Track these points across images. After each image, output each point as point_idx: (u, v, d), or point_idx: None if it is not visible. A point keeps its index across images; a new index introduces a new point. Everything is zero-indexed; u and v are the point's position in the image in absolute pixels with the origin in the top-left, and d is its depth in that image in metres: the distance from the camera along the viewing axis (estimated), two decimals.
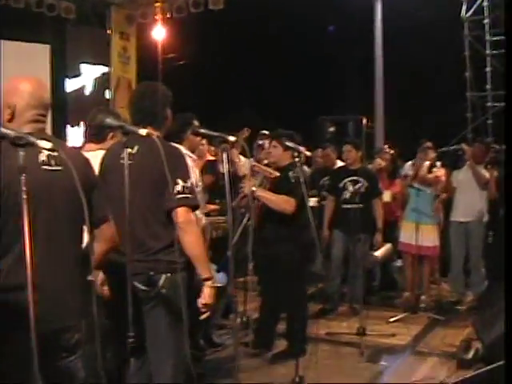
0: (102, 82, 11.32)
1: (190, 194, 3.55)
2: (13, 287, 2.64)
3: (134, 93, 4.42)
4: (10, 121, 2.90)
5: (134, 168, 3.33)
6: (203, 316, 3.70)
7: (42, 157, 2.79)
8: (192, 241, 3.51)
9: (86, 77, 11.07)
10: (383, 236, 7.53)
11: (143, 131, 3.02)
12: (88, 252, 3.02)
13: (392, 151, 9.49)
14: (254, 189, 5.54)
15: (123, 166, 3.23)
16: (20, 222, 2.32)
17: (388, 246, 7.39)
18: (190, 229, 3.52)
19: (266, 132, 8.17)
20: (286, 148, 5.64)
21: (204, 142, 5.73)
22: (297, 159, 5.06)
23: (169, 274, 3.58)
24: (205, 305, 3.65)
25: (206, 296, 3.63)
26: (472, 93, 14.11)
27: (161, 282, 3.58)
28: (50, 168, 2.84)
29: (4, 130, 2.04)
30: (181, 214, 3.51)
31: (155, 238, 3.62)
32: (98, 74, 11.30)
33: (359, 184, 7.50)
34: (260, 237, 5.59)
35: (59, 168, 2.85)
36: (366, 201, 7.48)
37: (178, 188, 3.50)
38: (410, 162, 8.26)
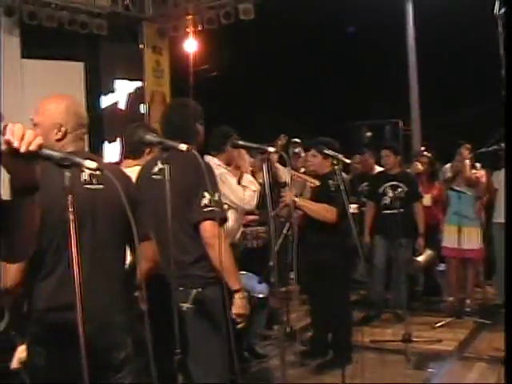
0: (136, 97, 11.39)
1: (217, 207, 3.53)
2: (59, 308, 2.65)
3: (165, 109, 4.46)
4: (59, 140, 2.91)
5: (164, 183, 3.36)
6: (239, 326, 3.69)
7: (84, 176, 2.81)
8: (219, 255, 3.44)
9: (120, 92, 11.15)
10: (425, 240, 7.45)
11: (183, 146, 3.01)
12: (132, 269, 3.02)
13: (429, 154, 9.39)
14: (295, 198, 5.53)
15: (156, 181, 3.24)
16: (63, 243, 2.32)
17: (430, 251, 7.31)
18: (217, 242, 3.47)
19: (298, 140, 8.15)
20: (325, 156, 5.62)
21: (245, 153, 5.72)
22: (336, 167, 5.02)
23: (199, 289, 3.60)
24: (238, 315, 3.64)
25: (237, 307, 3.62)
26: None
27: (191, 297, 3.59)
28: (93, 187, 2.85)
29: (49, 152, 2.04)
30: (207, 227, 3.52)
31: (184, 252, 3.62)
32: (132, 89, 11.37)
33: (399, 189, 7.43)
34: (302, 246, 5.55)
35: (101, 187, 2.86)
36: (407, 205, 7.41)
37: (205, 201, 3.50)
38: (448, 165, 8.16)
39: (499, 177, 7.71)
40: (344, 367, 5.03)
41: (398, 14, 13.68)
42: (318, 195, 5.69)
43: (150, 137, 3.22)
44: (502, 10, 12.75)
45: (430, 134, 13.02)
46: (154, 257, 3.17)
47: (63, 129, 2.90)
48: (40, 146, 1.97)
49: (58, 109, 2.93)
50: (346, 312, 5.98)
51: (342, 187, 4.98)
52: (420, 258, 7.13)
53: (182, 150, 2.99)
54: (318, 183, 5.75)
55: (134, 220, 2.16)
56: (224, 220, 3.67)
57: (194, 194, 3.42)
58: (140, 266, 3.05)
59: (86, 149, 3.40)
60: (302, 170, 6.13)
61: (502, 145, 7.87)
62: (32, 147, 1.95)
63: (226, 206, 4.30)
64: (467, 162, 7.59)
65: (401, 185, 7.45)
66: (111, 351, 2.90)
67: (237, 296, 3.62)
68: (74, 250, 2.05)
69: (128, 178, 3.17)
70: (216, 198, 3.54)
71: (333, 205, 5.56)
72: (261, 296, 5.91)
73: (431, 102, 13.60)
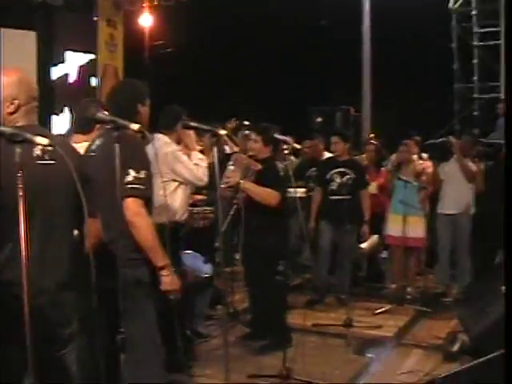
0: (88, 70, 11.21)
1: (141, 184, 3.46)
2: (6, 283, 2.63)
3: (111, 88, 4.41)
4: (12, 114, 2.86)
5: (94, 161, 3.44)
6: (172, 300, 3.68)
7: (37, 151, 2.77)
8: (140, 233, 3.44)
9: (71, 64, 10.95)
10: (370, 228, 7.54)
11: (134, 126, 3.00)
12: (79, 244, 3.01)
13: (376, 142, 9.50)
14: (240, 180, 5.55)
15: (91, 158, 3.27)
16: (14, 219, 2.30)
17: (375, 237, 7.41)
18: (138, 220, 3.44)
19: (247, 123, 8.14)
20: (266, 141, 5.66)
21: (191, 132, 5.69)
22: (286, 151, 5.05)
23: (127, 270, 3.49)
24: (168, 291, 3.61)
25: (164, 284, 3.58)
26: (459, 84, 14.16)
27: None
28: (45, 162, 2.81)
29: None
30: (129, 205, 3.42)
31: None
32: (83, 62, 11.18)
33: (347, 176, 7.49)
34: (245, 227, 5.58)
35: (53, 162, 2.82)
36: (354, 192, 7.49)
37: (129, 178, 3.41)
38: (395, 154, 8.27)
39: (445, 168, 7.86)
40: (284, 349, 5.09)
41: (354, 2, 13.76)
42: (261, 179, 5.70)
43: (102, 115, 3.20)
44: (457, 4, 12.96)
45: (380, 122, 13.15)
46: (99, 232, 3.16)
47: (16, 102, 2.86)
48: None
49: (9, 81, 2.88)
50: (282, 294, 6.01)
51: (289, 172, 5.02)
52: (364, 245, 7.22)
53: (133, 130, 2.99)
54: (259, 167, 5.76)
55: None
56: (148, 198, 3.58)
57: (122, 171, 3.36)
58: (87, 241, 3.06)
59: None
60: (250, 153, 6.13)
61: (450, 137, 8.03)
62: None
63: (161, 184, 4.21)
64: (415, 156, 7.73)
65: (348, 171, 7.51)
66: (58, 326, 2.88)
67: (163, 272, 3.56)
68: (22, 226, 2.03)
69: (78, 153, 3.15)
70: (142, 175, 3.46)
71: (276, 189, 5.60)
72: (205, 276, 5.94)
73: (383, 91, 13.72)
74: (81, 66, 11.11)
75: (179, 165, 4.95)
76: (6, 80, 2.89)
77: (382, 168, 8.55)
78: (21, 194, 2.07)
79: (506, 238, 3.30)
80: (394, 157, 8.32)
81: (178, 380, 4.78)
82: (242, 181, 5.62)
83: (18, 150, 2.06)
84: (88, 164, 3.38)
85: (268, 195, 5.61)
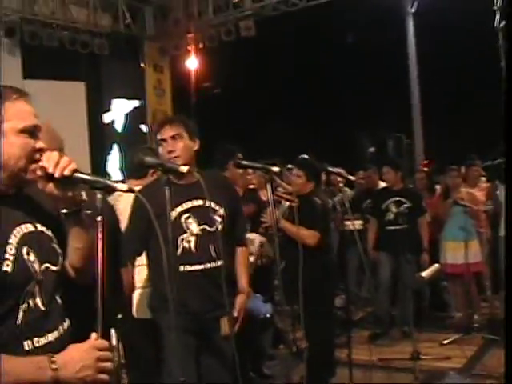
0: (135, 116, 11.36)
1: None
2: None
3: None
4: None
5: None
6: None
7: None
8: None
9: (117, 111, 11.10)
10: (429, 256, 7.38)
11: (183, 168, 2.98)
12: None
13: (427, 169, 9.35)
14: (279, 218, 5.44)
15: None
16: None
17: (436, 265, 7.21)
18: None
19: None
20: (309, 176, 5.58)
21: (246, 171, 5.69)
22: (341, 184, 4.97)
23: None
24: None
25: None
26: None
27: None
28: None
29: (82, 175, 2.12)
30: None
31: None
32: (130, 109, 11.34)
33: (403, 205, 7.37)
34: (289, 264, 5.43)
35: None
36: (411, 221, 7.36)
37: None
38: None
39: (504, 190, 7.66)
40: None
41: (399, 27, 13.70)
42: (299, 216, 5.54)
43: (149, 159, 3.19)
44: (503, 23, 12.80)
45: (433, 148, 12.99)
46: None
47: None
48: (74, 171, 2.08)
49: (55, 134, 2.95)
50: (328, 328, 5.88)
51: (346, 204, 4.91)
52: (425, 273, 7.02)
53: (182, 172, 2.97)
54: (296, 202, 5.62)
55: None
56: None
57: None
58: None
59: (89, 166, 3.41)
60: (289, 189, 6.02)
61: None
62: (66, 172, 2.06)
63: None
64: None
65: (404, 200, 7.40)
66: None
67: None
68: (100, 267, 2.11)
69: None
70: None
71: (315, 229, 5.47)
72: (266, 315, 5.86)
73: (433, 116, 13.58)
74: (128, 113, 11.27)
75: None
76: (53, 132, 2.94)
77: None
78: (100, 236, 2.14)
79: (506, 239, 3.16)
80: (443, 181, 8.20)
81: None
82: (281, 219, 5.50)
83: (99, 195, 2.14)
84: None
85: (306, 236, 5.42)
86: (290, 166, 7.35)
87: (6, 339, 2.00)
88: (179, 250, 3.59)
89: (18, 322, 2.03)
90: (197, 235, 3.65)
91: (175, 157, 3.59)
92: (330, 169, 5.21)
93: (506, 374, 2.60)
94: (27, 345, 2.04)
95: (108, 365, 2.03)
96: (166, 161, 3.43)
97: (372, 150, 12.68)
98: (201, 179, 3.35)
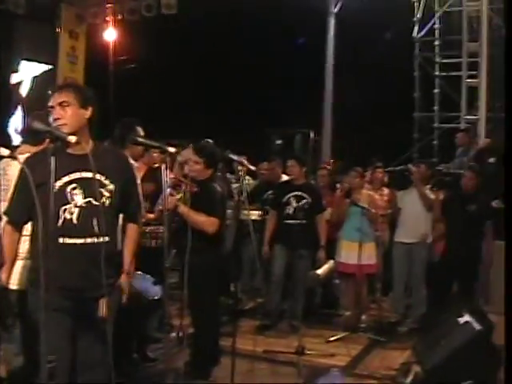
0: (43, 81, 10.97)
1: None
2: None
3: None
4: None
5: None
6: None
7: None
8: None
9: (26, 74, 10.71)
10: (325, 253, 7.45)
11: (72, 138, 2.86)
12: None
13: (329, 167, 9.44)
14: (178, 203, 5.35)
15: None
16: None
17: (331, 262, 7.26)
18: None
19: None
20: (208, 163, 5.50)
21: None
22: (241, 173, 4.90)
23: None
24: None
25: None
26: (419, 113, 14.23)
27: None
28: None
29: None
30: None
31: None
32: (39, 72, 10.95)
33: (303, 200, 7.40)
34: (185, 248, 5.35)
35: None
36: (310, 217, 7.40)
37: None
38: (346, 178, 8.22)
39: (404, 197, 7.81)
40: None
41: (321, 26, 13.80)
42: (197, 202, 5.47)
43: (38, 124, 3.06)
44: (421, 34, 13.07)
45: (340, 147, 13.16)
46: None
47: None
48: None
49: None
50: (213, 318, 5.85)
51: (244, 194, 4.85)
52: (320, 271, 7.06)
53: (70, 141, 2.86)
54: (195, 189, 5.55)
55: None
56: None
57: None
58: None
59: None
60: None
61: (410, 165, 7.99)
62: None
63: None
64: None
65: (305, 196, 7.42)
66: None
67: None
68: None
69: None
70: None
71: (215, 215, 5.40)
72: (155, 298, 5.75)
73: (344, 117, 13.75)
74: (37, 77, 10.90)
75: None
76: None
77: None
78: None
79: (506, 238, 3.23)
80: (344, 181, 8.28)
81: None
82: (179, 203, 5.41)
83: None
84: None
85: (205, 222, 5.34)
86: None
87: None
88: (60, 221, 3.41)
89: None
90: (81, 207, 3.48)
91: (62, 124, 3.40)
92: (232, 156, 5.11)
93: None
94: None
95: None
96: (54, 128, 3.27)
97: (279, 142, 12.74)
98: (89, 151, 3.23)
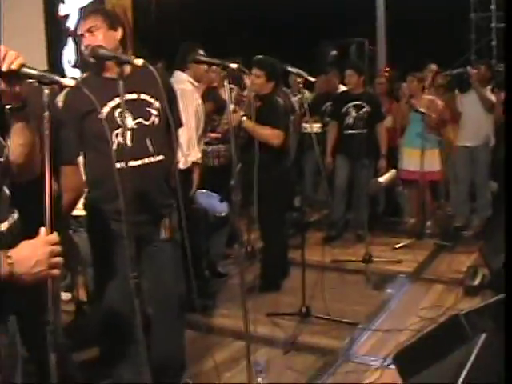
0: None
1: None
2: None
3: None
4: None
5: None
6: None
7: None
8: None
9: (73, 4, 10.65)
10: (386, 162, 7.42)
11: (139, 61, 2.87)
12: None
13: (388, 74, 9.27)
14: (243, 118, 5.40)
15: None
16: None
17: (393, 171, 7.25)
18: None
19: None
20: (269, 77, 5.52)
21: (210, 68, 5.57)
22: (300, 85, 4.88)
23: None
24: None
25: None
26: (476, 14, 13.80)
27: None
28: None
29: (29, 70, 2.04)
30: None
31: None
32: (85, 2, 10.89)
33: (363, 109, 7.33)
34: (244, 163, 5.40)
35: None
36: (370, 126, 7.34)
37: None
38: (405, 84, 8.10)
39: (464, 100, 7.67)
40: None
41: None
42: (261, 116, 5.49)
43: (103, 51, 3.08)
44: None
45: (396, 55, 12.88)
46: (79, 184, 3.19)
47: None
48: (21, 65, 2.00)
49: None
50: (280, 230, 5.97)
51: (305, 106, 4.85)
52: (382, 179, 7.06)
53: (137, 65, 2.87)
54: (259, 103, 5.58)
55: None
56: None
57: None
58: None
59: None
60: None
61: (468, 68, 7.80)
62: (13, 66, 1.98)
63: None
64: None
65: (364, 105, 7.34)
66: None
67: None
68: (47, 167, 2.06)
69: None
70: None
71: (279, 128, 5.47)
72: (222, 215, 5.87)
73: (397, 23, 13.39)
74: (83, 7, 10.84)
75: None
76: None
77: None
78: (47, 133, 2.07)
79: (506, 237, 3.16)
80: (404, 86, 8.16)
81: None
82: (244, 118, 5.46)
83: (46, 90, 2.06)
84: None
85: (270, 135, 5.43)
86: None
87: None
88: (114, 146, 3.35)
89: None
90: (132, 129, 3.46)
91: None
92: (290, 69, 5.09)
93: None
94: None
95: (59, 259, 2.02)
96: (119, 53, 3.28)
97: (334, 53, 12.54)
98: (129, 73, 3.25)
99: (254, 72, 5.56)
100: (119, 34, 3.47)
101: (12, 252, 1.94)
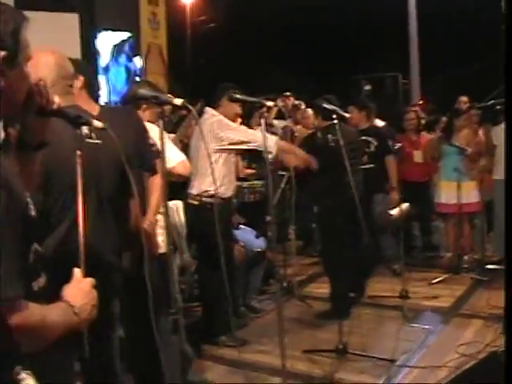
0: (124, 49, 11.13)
1: None
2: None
3: None
4: None
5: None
6: None
7: (85, 130, 2.72)
8: None
9: (106, 43, 10.84)
10: (399, 194, 7.25)
11: (178, 101, 2.93)
12: None
13: (416, 109, 9.25)
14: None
15: None
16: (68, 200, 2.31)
17: (405, 205, 7.06)
18: None
19: (288, 93, 8.00)
20: (317, 113, 5.62)
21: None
22: (335, 121, 4.92)
23: None
24: None
25: None
26: None
27: None
28: (93, 141, 2.83)
29: (64, 109, 2.01)
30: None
31: None
32: (118, 41, 11.09)
33: (369, 144, 7.28)
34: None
35: (100, 142, 2.83)
36: (378, 160, 7.27)
37: None
38: (444, 118, 8.08)
39: (497, 132, 7.62)
40: (340, 321, 5.00)
41: None
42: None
43: (143, 91, 3.15)
44: None
45: (430, 88, 12.90)
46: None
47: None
48: (57, 104, 1.97)
49: (33, 64, 2.82)
50: (344, 264, 5.92)
51: (341, 142, 4.87)
52: (393, 212, 6.93)
53: (176, 105, 2.94)
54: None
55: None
56: None
57: None
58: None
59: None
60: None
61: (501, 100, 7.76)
62: (54, 106, 1.95)
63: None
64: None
65: (370, 139, 7.30)
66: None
67: None
68: (80, 206, 2.10)
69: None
70: None
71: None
72: (258, 250, 5.90)
73: (431, 57, 13.44)
74: (117, 45, 11.04)
75: (228, 131, 4.95)
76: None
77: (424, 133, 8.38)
78: (80, 171, 2.12)
79: (506, 235, 3.14)
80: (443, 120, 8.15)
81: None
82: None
83: (78, 131, 2.15)
84: None
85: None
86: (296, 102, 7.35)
87: None
88: None
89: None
90: None
91: None
92: (325, 106, 5.14)
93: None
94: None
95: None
96: (160, 93, 3.35)
97: (368, 87, 12.57)
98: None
99: (303, 107, 5.73)
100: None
101: (71, 300, 1.87)
